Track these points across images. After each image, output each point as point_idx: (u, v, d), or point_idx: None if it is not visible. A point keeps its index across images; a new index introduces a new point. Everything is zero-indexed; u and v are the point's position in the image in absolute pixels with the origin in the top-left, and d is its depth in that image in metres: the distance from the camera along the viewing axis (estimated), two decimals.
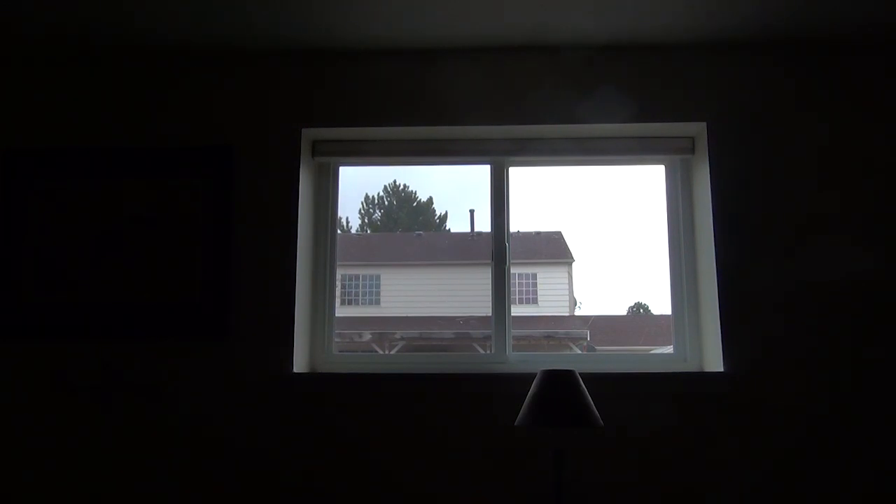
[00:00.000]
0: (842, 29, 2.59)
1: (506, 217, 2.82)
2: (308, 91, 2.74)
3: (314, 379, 2.60)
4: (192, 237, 2.65)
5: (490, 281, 2.77)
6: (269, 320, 2.58)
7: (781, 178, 2.60)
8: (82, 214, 2.68)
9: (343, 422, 2.52)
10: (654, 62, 2.70)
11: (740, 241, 2.57)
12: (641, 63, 2.70)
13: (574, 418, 2.12)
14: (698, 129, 2.70)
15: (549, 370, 2.20)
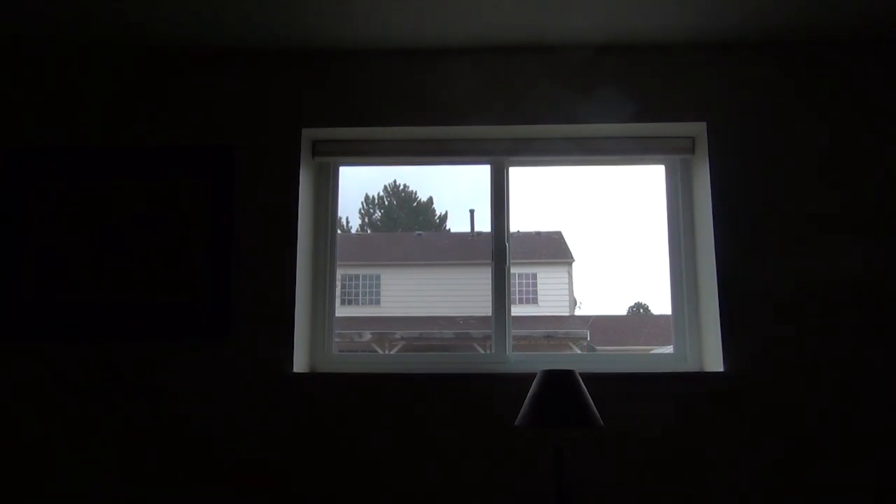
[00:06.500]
0: (842, 29, 2.59)
1: (506, 217, 2.82)
2: (308, 91, 2.74)
3: (314, 379, 2.60)
4: (192, 237, 2.64)
5: (490, 281, 2.77)
6: (269, 320, 2.58)
7: (781, 178, 2.60)
8: (82, 214, 2.68)
9: (343, 422, 2.52)
10: (654, 62, 2.70)
11: (740, 241, 2.57)
12: (641, 63, 2.70)
13: (574, 418, 2.12)
14: (698, 129, 2.70)
15: (549, 370, 2.20)
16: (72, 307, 2.62)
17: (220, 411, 2.53)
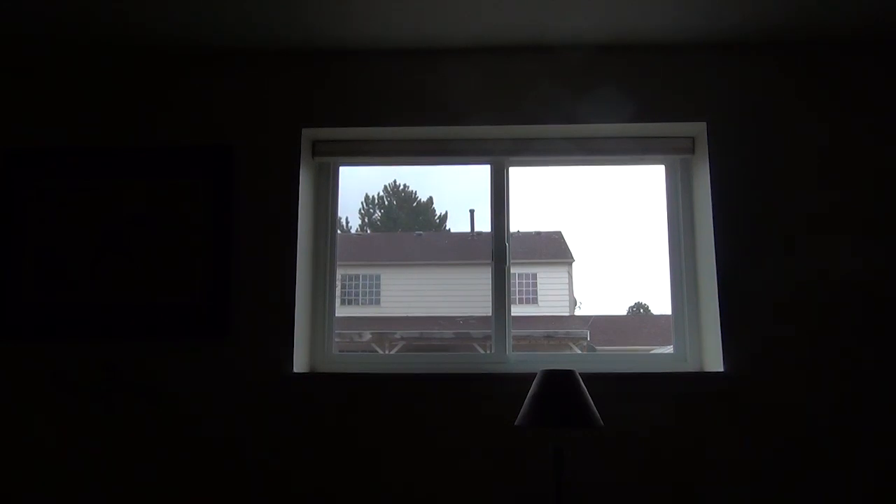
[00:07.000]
0: (842, 29, 2.59)
1: (506, 217, 2.82)
2: (308, 91, 2.74)
3: (314, 379, 2.60)
4: (192, 237, 2.64)
5: (490, 281, 2.77)
6: (269, 320, 2.58)
7: (781, 178, 2.60)
8: (82, 214, 2.68)
9: (343, 422, 2.52)
10: (654, 62, 2.70)
11: (740, 241, 2.57)
12: (641, 63, 2.70)
13: (574, 418, 2.12)
14: (698, 129, 2.71)
15: (549, 370, 2.20)
16: (72, 307, 2.62)
17: (221, 411, 2.53)
